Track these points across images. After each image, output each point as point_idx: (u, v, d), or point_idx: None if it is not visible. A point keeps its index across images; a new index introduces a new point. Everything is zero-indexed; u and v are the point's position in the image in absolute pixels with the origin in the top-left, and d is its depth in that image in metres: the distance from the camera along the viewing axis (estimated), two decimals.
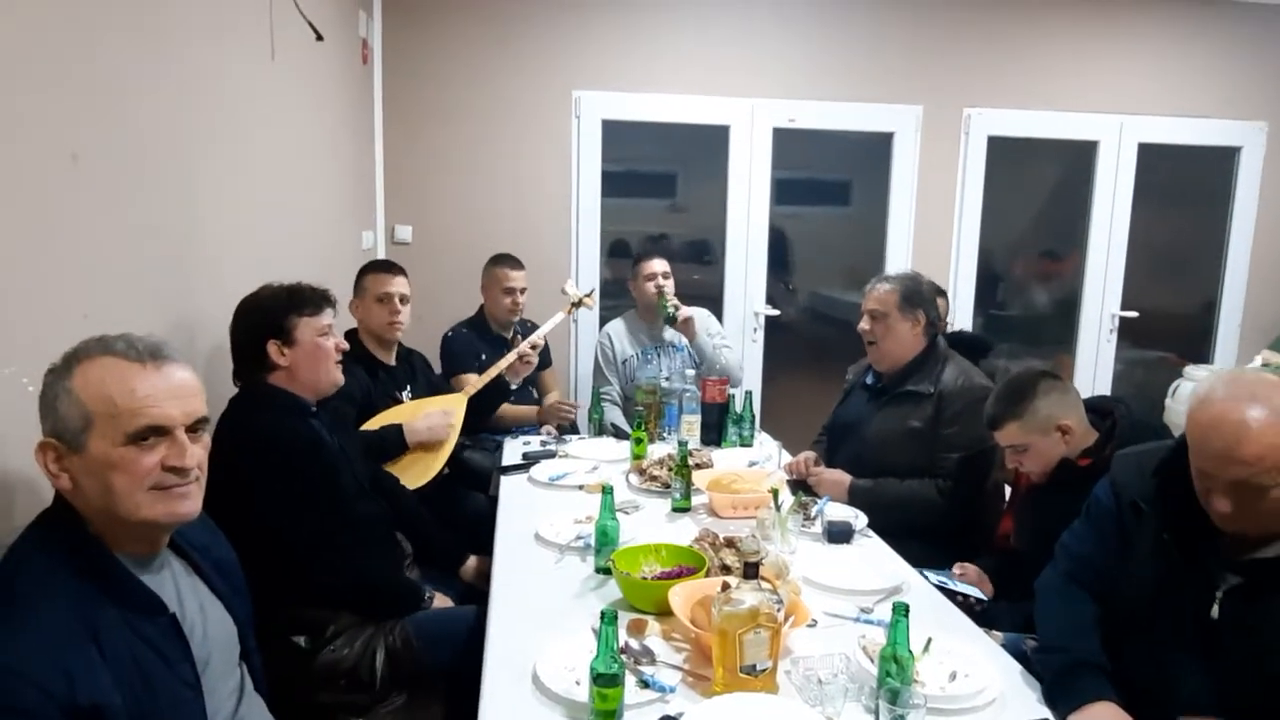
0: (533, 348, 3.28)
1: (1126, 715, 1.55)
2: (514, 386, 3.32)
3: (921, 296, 2.91)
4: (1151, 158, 5.12)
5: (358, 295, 3.19)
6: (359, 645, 2.09)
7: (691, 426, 3.22)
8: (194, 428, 1.36)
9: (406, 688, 2.12)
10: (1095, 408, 2.36)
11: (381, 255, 4.49)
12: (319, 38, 3.09)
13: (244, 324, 2.19)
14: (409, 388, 3.22)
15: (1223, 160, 5.26)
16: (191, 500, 1.36)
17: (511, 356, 3.26)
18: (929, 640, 1.74)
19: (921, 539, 2.58)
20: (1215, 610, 1.59)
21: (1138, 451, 1.82)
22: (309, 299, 2.22)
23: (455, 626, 2.12)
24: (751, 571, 1.60)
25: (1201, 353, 5.39)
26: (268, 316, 2.17)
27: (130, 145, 1.91)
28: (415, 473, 2.92)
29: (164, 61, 2.06)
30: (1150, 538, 1.69)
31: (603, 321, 4.48)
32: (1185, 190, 5.40)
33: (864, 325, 2.93)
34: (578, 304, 3.57)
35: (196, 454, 1.35)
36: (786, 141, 4.85)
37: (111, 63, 1.82)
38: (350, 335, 3.17)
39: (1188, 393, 4.75)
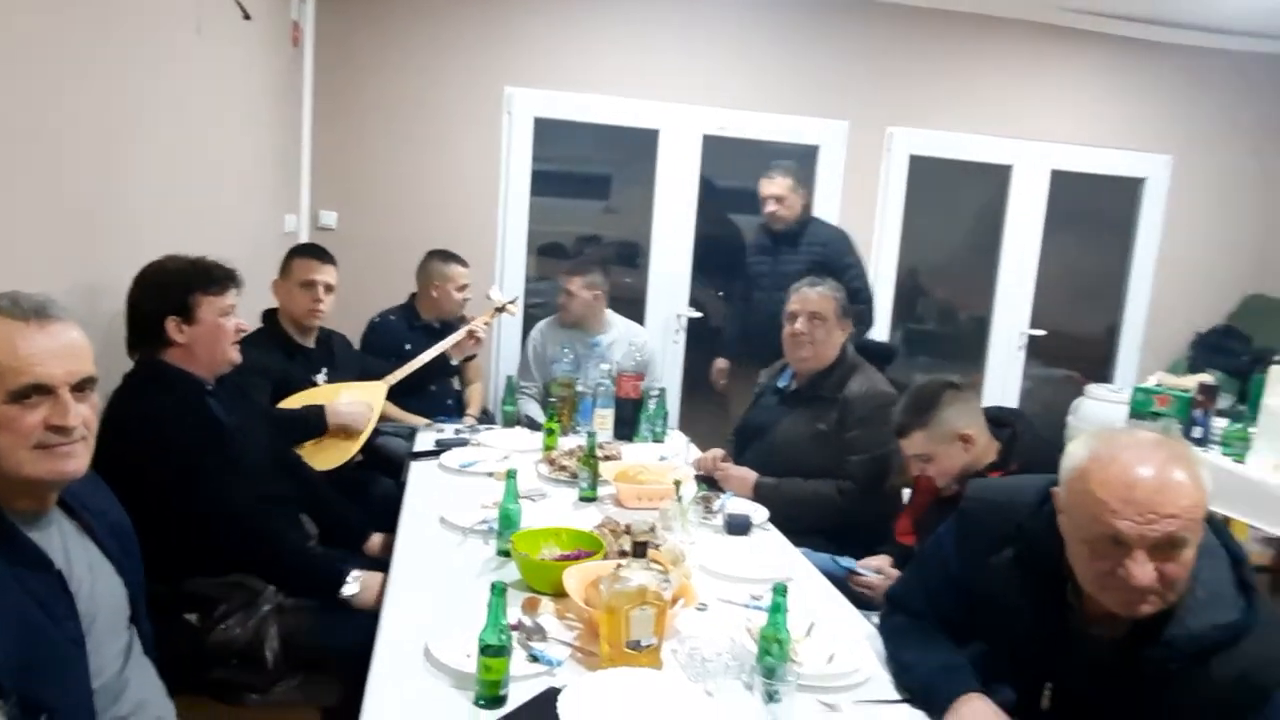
0: (485, 325, 3.52)
1: (1000, 711, 1.50)
2: (454, 363, 3.57)
3: (848, 306, 3.04)
4: (1063, 184, 5.33)
5: (283, 276, 3.14)
6: (251, 625, 2.06)
7: (604, 420, 3.26)
8: (80, 387, 1.36)
9: (302, 669, 2.10)
10: (993, 419, 2.45)
11: (305, 239, 4.44)
12: (246, 16, 3.07)
13: (145, 297, 2.13)
14: (325, 370, 3.19)
15: (1129, 190, 5.50)
16: (77, 459, 1.36)
17: (462, 332, 3.46)
18: (811, 625, 1.82)
19: (822, 535, 2.67)
20: (1045, 700, 1.54)
21: (981, 527, 1.67)
22: (215, 277, 2.17)
23: (354, 613, 2.09)
24: (640, 550, 1.65)
25: (1103, 373, 5.62)
26: (171, 292, 2.11)
27: (43, 106, 1.88)
28: (328, 456, 2.90)
29: (83, 24, 2.03)
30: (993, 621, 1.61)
31: (527, 316, 4.51)
32: (1094, 217, 5.64)
33: (800, 326, 2.95)
34: (501, 309, 3.62)
35: (82, 413, 1.35)
36: (716, 149, 4.92)
37: (26, 21, 1.79)
38: (270, 314, 3.15)
39: (1088, 411, 4.95)
